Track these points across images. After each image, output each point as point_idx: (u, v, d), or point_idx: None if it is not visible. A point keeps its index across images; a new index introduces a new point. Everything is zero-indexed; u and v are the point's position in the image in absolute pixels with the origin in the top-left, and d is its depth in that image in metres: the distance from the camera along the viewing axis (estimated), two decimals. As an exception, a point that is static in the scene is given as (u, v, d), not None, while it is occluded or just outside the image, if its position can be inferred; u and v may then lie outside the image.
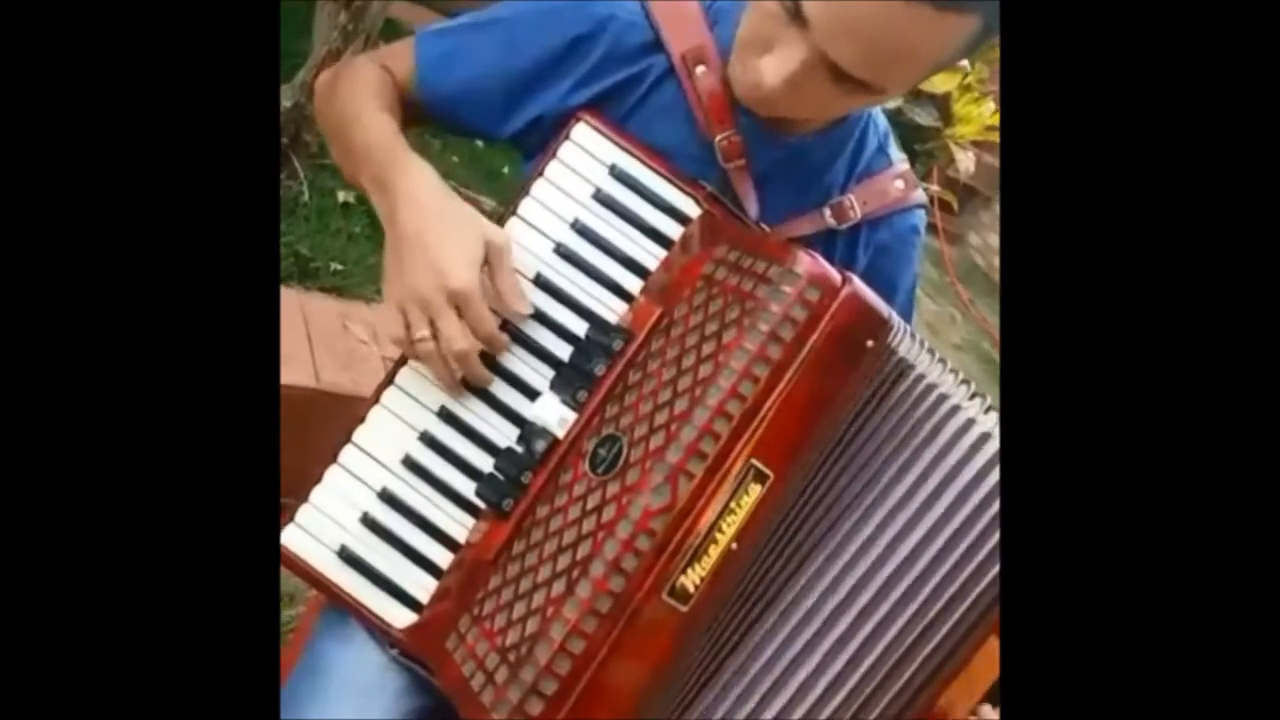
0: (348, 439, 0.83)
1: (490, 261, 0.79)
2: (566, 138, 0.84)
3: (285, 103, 2.00)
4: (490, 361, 0.81)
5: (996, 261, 4.84)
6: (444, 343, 0.77)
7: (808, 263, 0.70)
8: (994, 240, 4.89)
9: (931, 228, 4.03)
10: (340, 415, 0.85)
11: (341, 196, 2.11)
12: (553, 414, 0.79)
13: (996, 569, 0.73)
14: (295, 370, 1.64)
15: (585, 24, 0.85)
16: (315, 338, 1.76)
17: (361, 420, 0.84)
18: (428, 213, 0.79)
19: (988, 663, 0.73)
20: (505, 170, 2.60)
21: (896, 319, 0.73)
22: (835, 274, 0.71)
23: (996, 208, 4.81)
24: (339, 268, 1.95)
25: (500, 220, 0.84)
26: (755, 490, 0.67)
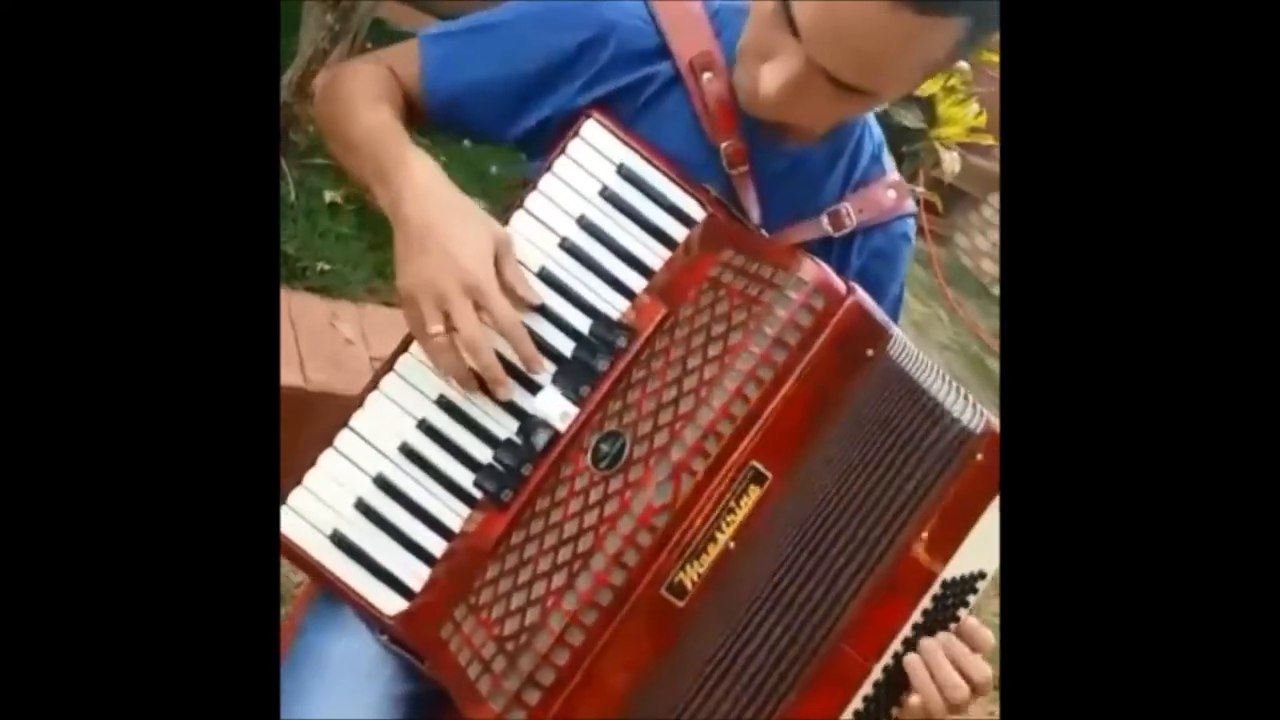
0: (344, 424, 0.84)
1: (498, 255, 0.79)
2: (576, 135, 0.85)
3: (272, 102, 2.00)
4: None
5: (984, 263, 4.88)
6: (461, 333, 0.77)
7: (814, 270, 0.72)
8: (981, 242, 4.93)
9: (919, 229, 4.06)
10: (328, 415, 0.84)
11: (329, 196, 2.09)
12: (554, 408, 0.80)
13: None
14: (284, 370, 1.63)
15: (593, 27, 0.86)
16: (303, 338, 1.75)
17: (359, 405, 0.84)
18: (435, 204, 0.80)
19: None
20: (493, 170, 2.59)
21: (895, 329, 0.74)
22: (840, 282, 0.72)
23: (984, 209, 4.85)
24: (327, 268, 1.94)
25: (507, 214, 0.85)
26: (755, 491, 0.68)
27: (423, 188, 0.81)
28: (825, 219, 0.90)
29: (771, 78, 0.77)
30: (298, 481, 0.83)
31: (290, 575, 1.66)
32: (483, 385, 0.81)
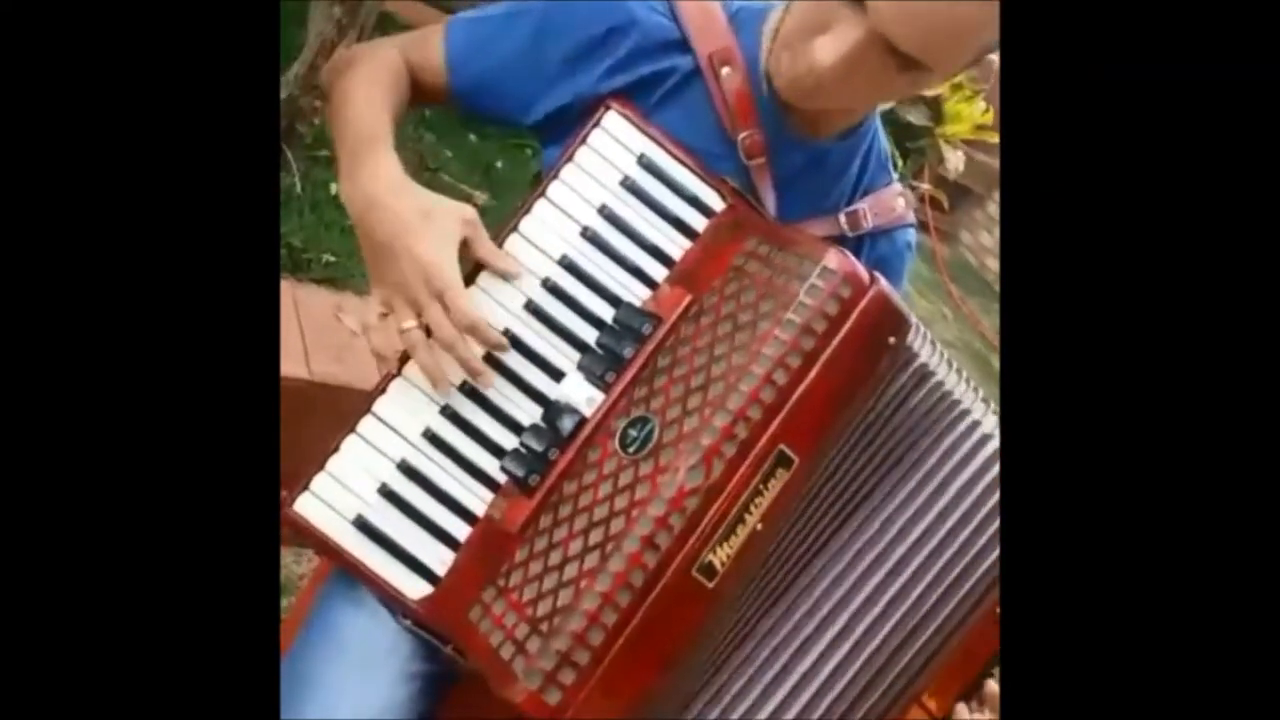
0: (367, 409, 0.84)
1: (469, 236, 0.81)
2: (597, 125, 0.86)
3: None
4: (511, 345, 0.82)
5: (988, 260, 4.90)
6: (436, 335, 0.79)
7: (840, 259, 0.73)
8: (985, 239, 4.94)
9: (924, 226, 4.08)
10: (332, 407, 0.85)
11: (334, 188, 2.10)
12: (580, 393, 0.81)
13: (992, 559, 0.77)
14: (288, 362, 1.64)
15: (618, 17, 0.88)
16: (308, 329, 1.76)
17: (382, 391, 0.84)
18: (398, 211, 0.81)
19: (972, 657, 0.78)
20: (499, 164, 2.60)
21: (915, 319, 0.76)
22: (865, 272, 0.74)
23: (988, 206, 4.87)
24: (331, 259, 1.94)
25: (529, 202, 0.86)
26: (782, 474, 0.70)
27: (383, 200, 0.81)
28: (843, 218, 0.92)
29: (829, 49, 0.77)
30: (315, 470, 0.83)
31: (293, 566, 1.67)
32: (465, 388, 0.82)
